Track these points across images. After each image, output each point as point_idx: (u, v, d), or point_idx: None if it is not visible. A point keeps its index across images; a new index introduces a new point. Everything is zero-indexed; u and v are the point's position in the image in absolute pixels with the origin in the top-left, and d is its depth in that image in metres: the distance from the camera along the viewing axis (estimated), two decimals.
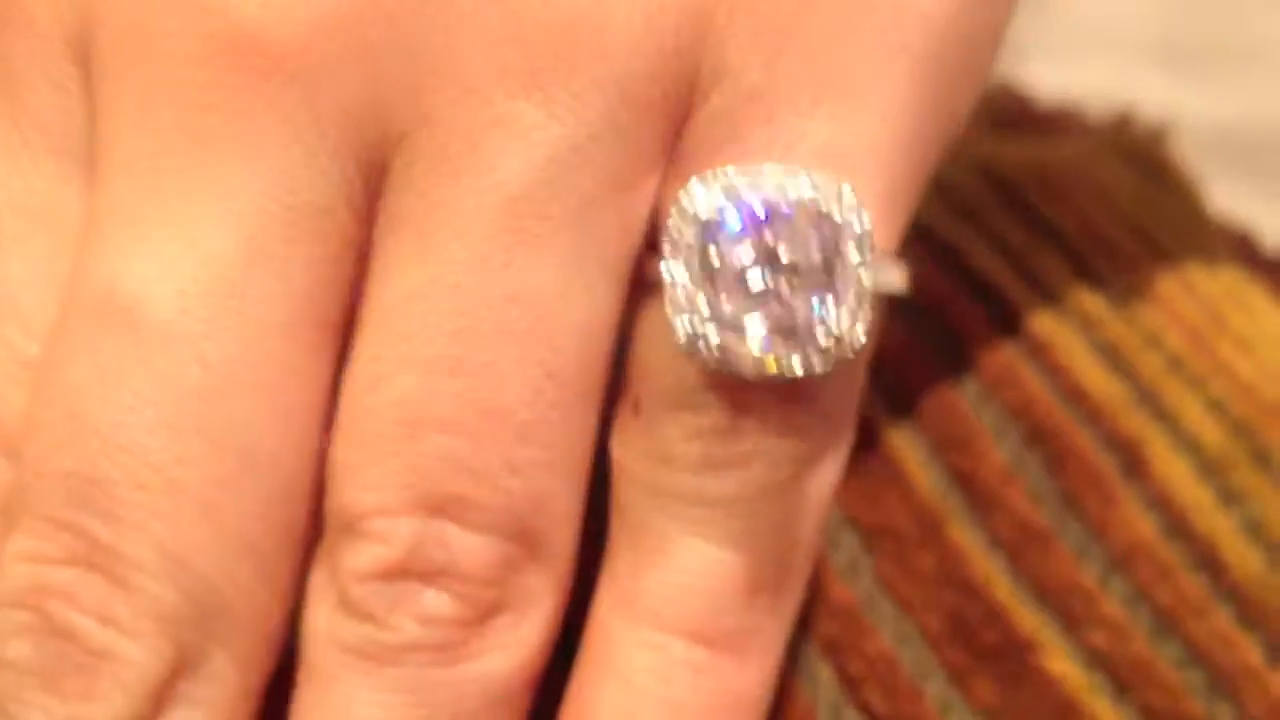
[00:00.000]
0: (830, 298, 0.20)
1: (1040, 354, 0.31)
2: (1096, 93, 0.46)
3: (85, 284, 0.21)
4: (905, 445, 0.30)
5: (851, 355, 0.21)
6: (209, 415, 0.21)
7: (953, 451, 0.30)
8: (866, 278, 0.20)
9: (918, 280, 0.31)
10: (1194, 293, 0.33)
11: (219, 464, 0.21)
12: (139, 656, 0.21)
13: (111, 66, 0.22)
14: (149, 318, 0.21)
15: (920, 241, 0.32)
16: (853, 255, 0.20)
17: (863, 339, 0.21)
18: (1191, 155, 0.40)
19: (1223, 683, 0.28)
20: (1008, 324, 0.31)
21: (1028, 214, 0.34)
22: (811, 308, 0.20)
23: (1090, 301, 0.32)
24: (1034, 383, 0.31)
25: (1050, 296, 0.32)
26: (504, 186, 0.21)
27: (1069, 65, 0.48)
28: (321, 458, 0.22)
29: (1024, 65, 0.46)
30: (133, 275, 0.21)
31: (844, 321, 0.20)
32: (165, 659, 0.21)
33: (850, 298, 0.20)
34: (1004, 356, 0.31)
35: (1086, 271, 0.33)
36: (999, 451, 0.30)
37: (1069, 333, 0.31)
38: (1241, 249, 0.39)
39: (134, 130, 0.21)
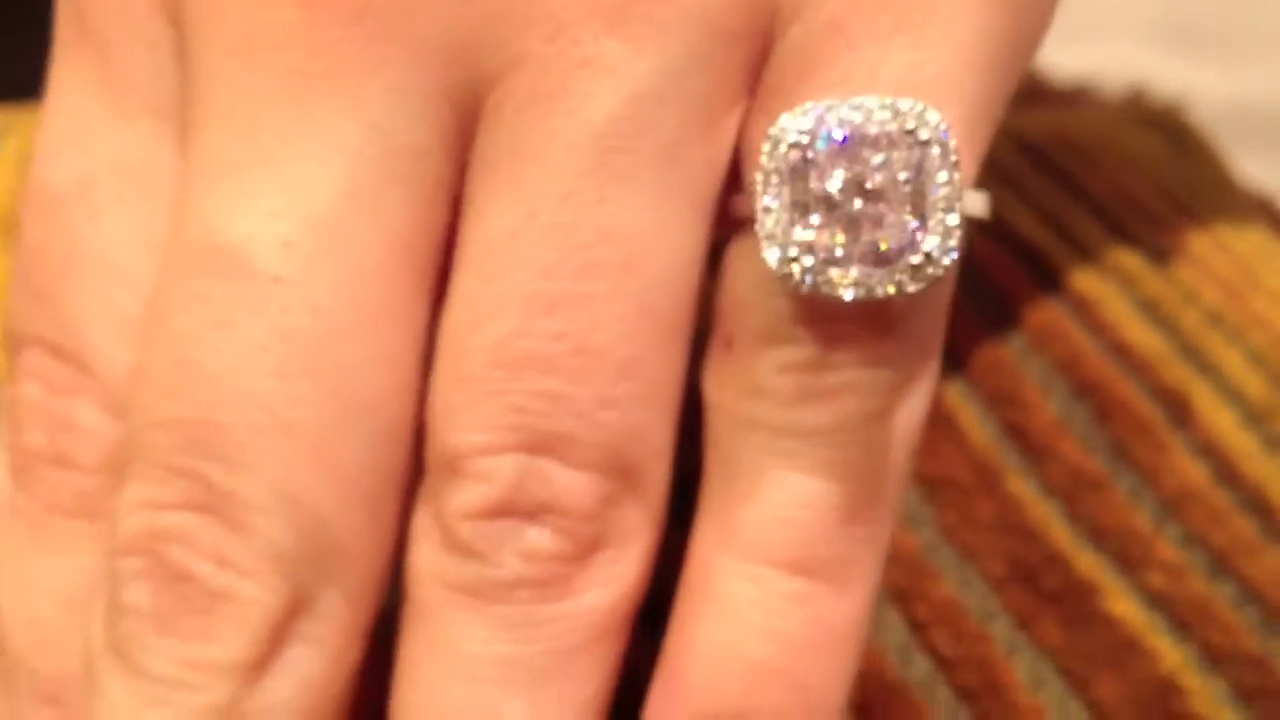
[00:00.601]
0: (919, 219, 0.21)
1: (1083, 310, 0.32)
2: (1107, 73, 0.47)
3: (188, 235, 0.22)
4: (959, 400, 0.30)
5: (941, 274, 0.21)
6: (318, 359, 0.21)
7: (1005, 405, 0.30)
8: (954, 199, 0.21)
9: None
10: (1226, 250, 0.34)
11: (329, 407, 0.21)
12: (256, 596, 0.21)
13: (203, 21, 0.22)
14: (255, 265, 0.21)
15: None
16: (940, 177, 0.21)
17: (952, 258, 0.21)
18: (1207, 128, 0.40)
19: (1278, 621, 0.28)
20: (1049, 282, 0.32)
21: (1060, 177, 0.35)
22: (902, 229, 0.21)
23: (1128, 259, 0.33)
24: (1079, 337, 0.31)
25: (1089, 255, 0.33)
26: (593, 124, 0.21)
27: (1079, 48, 0.48)
28: (422, 399, 0.22)
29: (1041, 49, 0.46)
30: (236, 224, 0.21)
31: (933, 241, 0.21)
32: (281, 598, 0.21)
33: (938, 219, 0.21)
34: (1048, 313, 0.31)
35: (1121, 231, 0.33)
36: (1049, 404, 0.30)
37: (1110, 289, 0.32)
38: (1265, 212, 0.40)
39: (228, 83, 0.22)
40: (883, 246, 0.21)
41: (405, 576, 0.23)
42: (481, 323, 0.21)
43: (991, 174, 0.34)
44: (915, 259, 0.21)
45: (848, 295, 0.21)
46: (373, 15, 0.21)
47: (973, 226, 0.32)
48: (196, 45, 0.22)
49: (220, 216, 0.21)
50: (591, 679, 0.22)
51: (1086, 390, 0.30)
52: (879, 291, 0.21)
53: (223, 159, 0.21)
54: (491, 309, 0.21)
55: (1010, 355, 0.31)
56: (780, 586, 0.22)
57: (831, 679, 0.23)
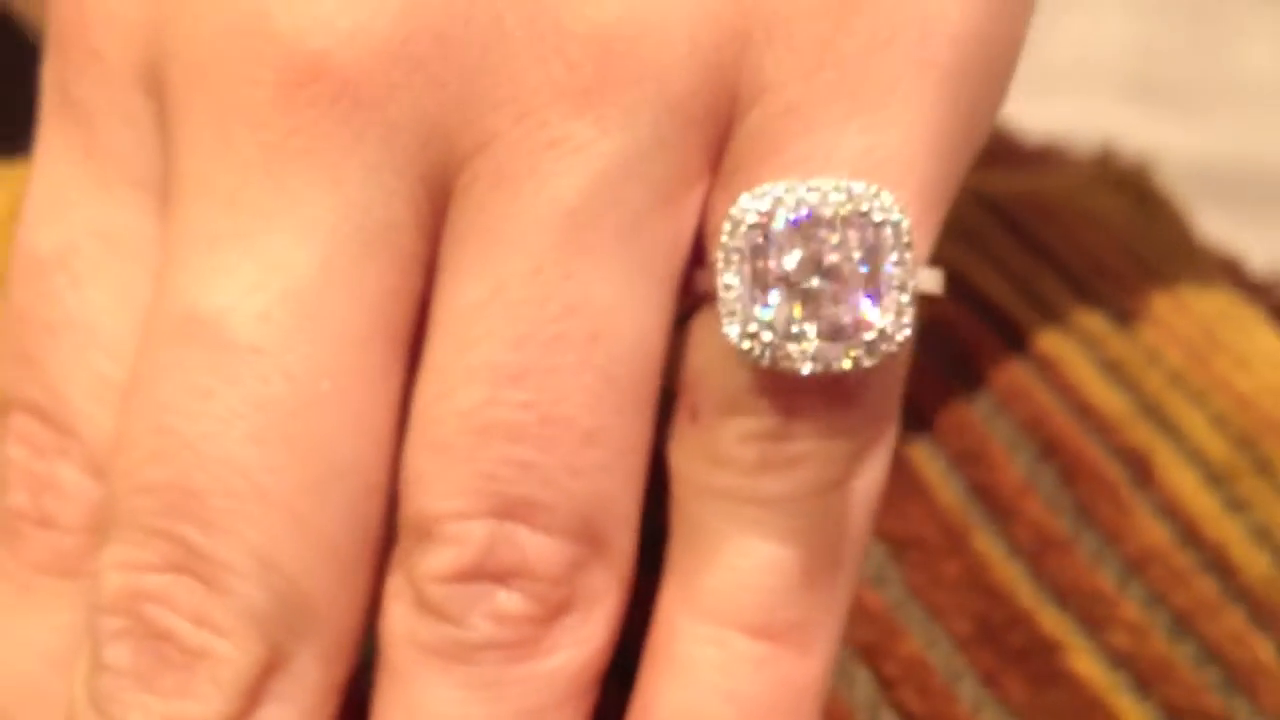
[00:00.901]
0: (873, 297, 0.22)
1: (1047, 371, 0.32)
2: (1075, 129, 0.48)
3: (169, 306, 0.22)
4: (925, 459, 0.30)
5: (895, 349, 0.22)
6: (294, 426, 0.22)
7: (970, 465, 0.30)
8: (906, 277, 0.22)
9: (926, 303, 0.33)
10: (1189, 312, 0.35)
11: (305, 472, 0.22)
12: (233, 655, 0.22)
13: (184, 97, 0.22)
14: (233, 335, 0.22)
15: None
16: (892, 257, 0.22)
17: (905, 334, 0.22)
18: (1173, 188, 0.41)
19: (1239, 679, 0.29)
20: (1014, 343, 0.33)
21: (1026, 238, 0.35)
22: (857, 307, 0.22)
23: (1092, 321, 0.33)
24: (1043, 398, 0.32)
25: (1053, 316, 0.33)
26: (560, 201, 0.22)
27: (1047, 102, 0.49)
28: (397, 464, 0.23)
29: (1009, 104, 0.47)
30: (215, 297, 0.22)
31: (887, 319, 0.22)
32: (257, 657, 0.22)
33: (891, 296, 0.22)
34: (1013, 374, 0.32)
35: (1085, 293, 0.34)
36: (1015, 464, 0.31)
37: (1073, 350, 0.33)
38: (1229, 273, 0.41)
39: (210, 158, 0.22)
40: (839, 322, 0.21)
41: (378, 638, 0.23)
42: (452, 392, 0.22)
43: (958, 234, 0.34)
44: (870, 335, 0.21)
45: (805, 369, 0.21)
46: (348, 96, 0.21)
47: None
48: (176, 119, 0.22)
49: (199, 289, 0.22)
50: None
51: (1051, 450, 0.31)
52: (835, 366, 0.21)
53: (202, 232, 0.22)
54: (462, 379, 0.22)
55: (976, 415, 0.31)
56: (742, 649, 0.23)
57: None
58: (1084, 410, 0.32)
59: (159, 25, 0.23)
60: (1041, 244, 0.35)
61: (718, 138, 0.23)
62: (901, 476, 0.30)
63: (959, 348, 0.32)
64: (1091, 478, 0.31)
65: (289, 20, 0.21)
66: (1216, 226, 0.43)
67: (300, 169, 0.22)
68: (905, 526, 0.30)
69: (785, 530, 0.23)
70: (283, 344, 0.22)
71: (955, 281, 0.33)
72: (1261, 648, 0.29)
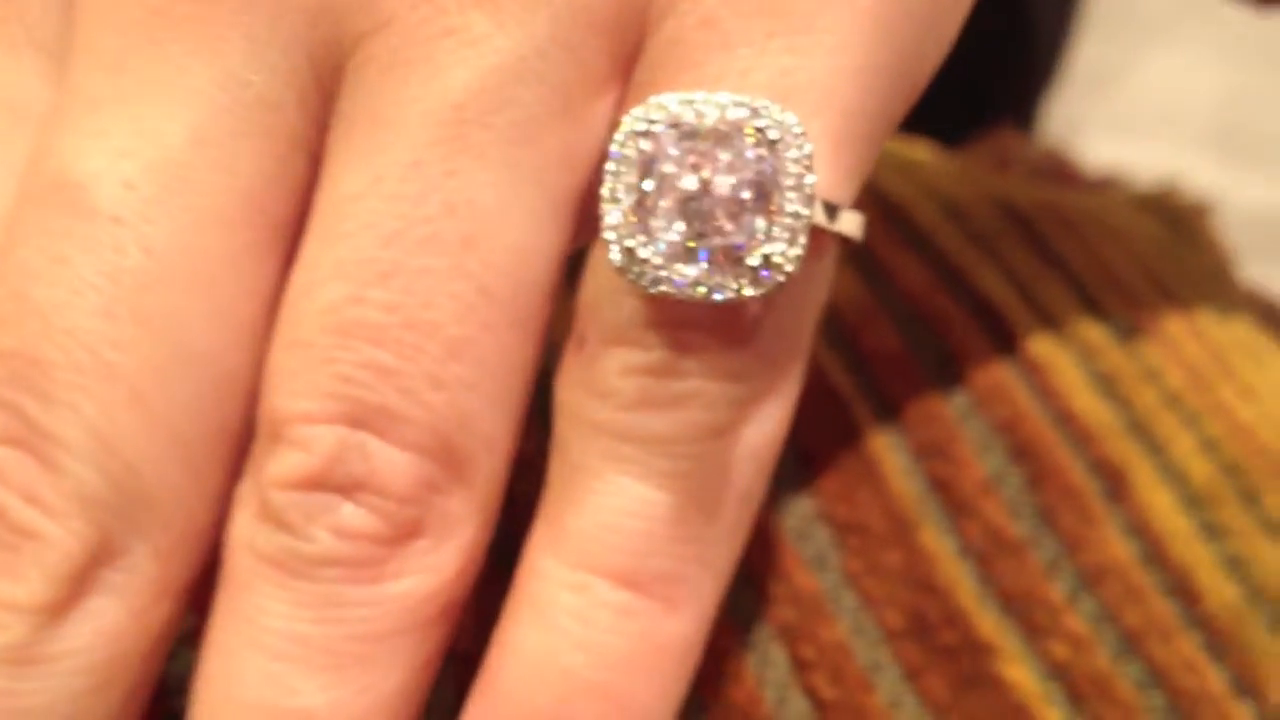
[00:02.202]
0: (765, 222, 0.20)
1: (1034, 375, 0.31)
2: (1153, 169, 0.46)
3: (41, 169, 0.22)
4: (886, 449, 0.29)
5: (783, 280, 0.20)
6: (148, 303, 0.21)
7: (934, 459, 0.29)
8: (803, 207, 0.20)
9: (921, 295, 0.32)
10: (1202, 338, 0.33)
11: (154, 353, 0.21)
12: (60, 538, 0.21)
13: None
14: (96, 203, 0.21)
15: (928, 260, 0.33)
16: (789, 181, 0.20)
17: (794, 265, 0.20)
18: (1242, 237, 0.40)
19: (1183, 706, 0.27)
20: (1005, 345, 0.31)
21: (1040, 246, 0.34)
22: (747, 231, 0.20)
23: (1092, 332, 0.32)
24: (1024, 401, 0.30)
25: (1052, 324, 0.32)
26: (449, 93, 0.21)
27: (1129, 142, 0.48)
28: (260, 362, 0.22)
29: (1083, 138, 0.46)
30: (83, 160, 0.21)
31: (776, 247, 0.20)
32: (86, 543, 0.21)
33: (784, 223, 0.20)
34: (997, 374, 0.31)
35: (1092, 306, 0.33)
36: (981, 463, 0.29)
37: (1066, 358, 0.31)
38: (1270, 316, 0.39)
39: (99, 20, 0.22)
40: (727, 246, 0.20)
41: (223, 545, 0.22)
42: (317, 287, 0.21)
43: (968, 234, 0.33)
44: (754, 262, 0.20)
45: (685, 293, 0.20)
46: None
47: (934, 282, 0.32)
48: None
49: (71, 153, 0.21)
50: (398, 670, 0.22)
51: (1023, 454, 0.30)
52: (719, 294, 0.20)
53: (83, 96, 0.22)
54: (328, 274, 0.21)
55: (950, 411, 0.30)
56: (603, 597, 0.22)
57: (652, 699, 0.22)
58: (1065, 418, 0.30)
59: None
60: (1056, 254, 0.34)
61: (628, 48, 0.22)
62: (859, 463, 0.29)
63: (946, 343, 0.31)
64: (1060, 485, 0.29)
65: None
66: None
67: (183, 35, 0.21)
68: (852, 512, 0.29)
69: (661, 473, 0.22)
70: (144, 215, 0.21)
71: (956, 278, 0.32)
72: (1214, 678, 0.28)
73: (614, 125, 0.22)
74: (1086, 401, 0.31)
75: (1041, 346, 0.31)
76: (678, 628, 0.22)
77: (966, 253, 0.33)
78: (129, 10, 0.21)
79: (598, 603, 0.22)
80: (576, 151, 0.22)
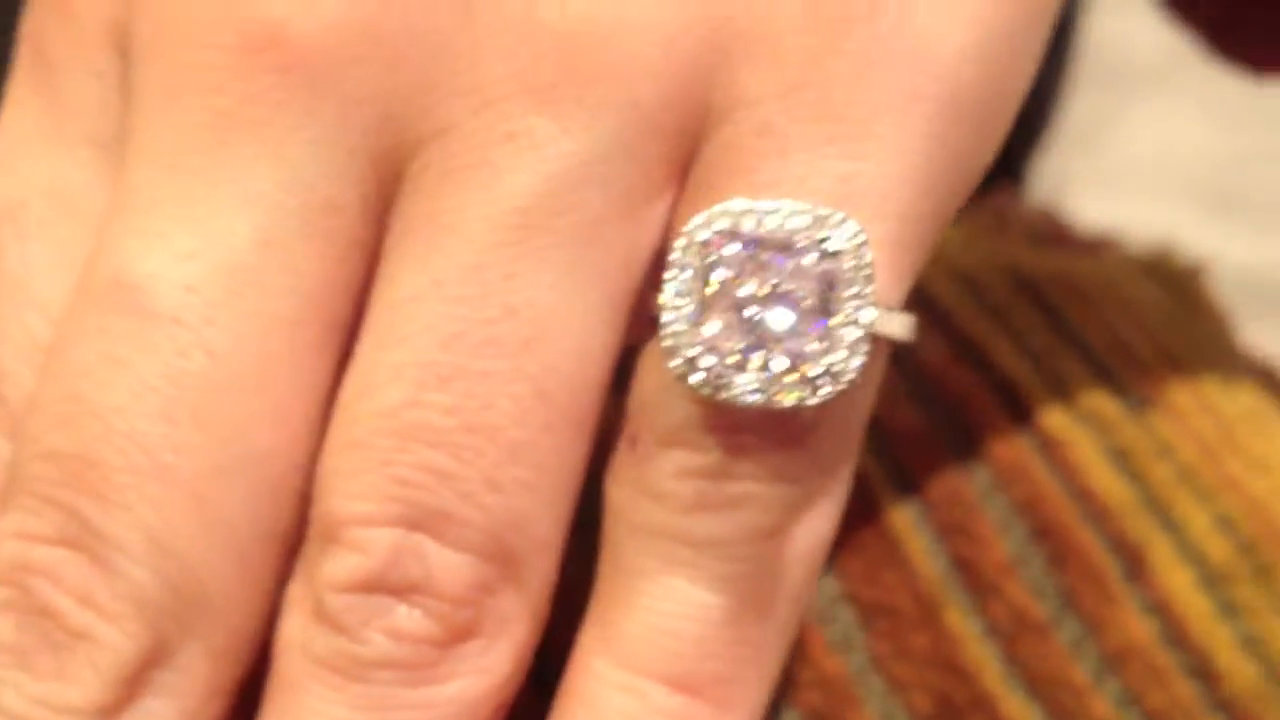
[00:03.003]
0: (826, 332, 0.21)
1: (1052, 451, 0.31)
2: (1140, 228, 0.47)
3: (99, 266, 0.22)
4: (910, 528, 0.30)
5: (844, 389, 0.21)
6: (208, 406, 0.21)
7: (957, 538, 0.30)
8: (864, 316, 0.21)
9: (940, 371, 0.32)
10: (1211, 411, 0.34)
11: (212, 456, 0.21)
12: (115, 640, 0.21)
13: (146, 56, 0.22)
14: (156, 304, 0.21)
15: (945, 335, 0.33)
16: (849, 291, 0.21)
17: (855, 375, 0.21)
18: (1231, 296, 0.40)
19: None
20: (1023, 420, 0.32)
21: (1052, 317, 0.34)
22: (805, 339, 0.21)
23: (1107, 406, 0.32)
24: (1043, 479, 0.31)
25: (1067, 398, 0.32)
26: (512, 197, 0.21)
27: (1118, 199, 0.48)
28: (314, 462, 0.22)
29: (1072, 194, 0.46)
30: (144, 261, 0.21)
31: (838, 356, 0.21)
32: (140, 645, 0.21)
33: (846, 334, 0.21)
34: (1016, 451, 0.31)
35: (1106, 378, 0.33)
36: (1003, 543, 0.30)
37: (1082, 434, 0.32)
38: (1269, 383, 0.40)
39: (160, 119, 0.22)
40: (787, 355, 0.21)
41: (274, 645, 0.22)
42: (375, 389, 0.21)
43: (984, 307, 0.34)
44: (816, 371, 0.21)
45: (746, 401, 0.21)
46: (303, 68, 0.21)
47: (950, 356, 0.32)
48: (138, 79, 0.22)
49: (131, 253, 0.21)
50: None
51: (1044, 533, 0.30)
52: (778, 401, 0.21)
53: (142, 195, 0.22)
54: (387, 376, 0.21)
55: (971, 489, 0.30)
56: (659, 701, 0.22)
57: None
58: (1084, 495, 0.31)
59: None
60: (1068, 325, 0.34)
61: (686, 152, 0.22)
62: (882, 543, 0.30)
63: (966, 419, 0.32)
64: (1081, 565, 0.30)
65: None
66: (1268, 336, 0.42)
67: (248, 138, 0.21)
68: (878, 594, 0.29)
69: (716, 576, 0.22)
70: (206, 318, 0.21)
71: (973, 353, 0.33)
72: None
73: (671, 228, 0.22)
74: (1103, 478, 0.31)
75: (1058, 421, 0.32)
76: None
77: (982, 327, 0.33)
78: (193, 112, 0.21)
79: (652, 709, 0.22)
80: (635, 253, 0.22)
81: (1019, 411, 0.32)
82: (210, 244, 0.21)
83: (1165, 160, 0.49)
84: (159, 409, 0.21)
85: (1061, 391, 0.33)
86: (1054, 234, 0.44)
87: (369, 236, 0.22)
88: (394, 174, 0.22)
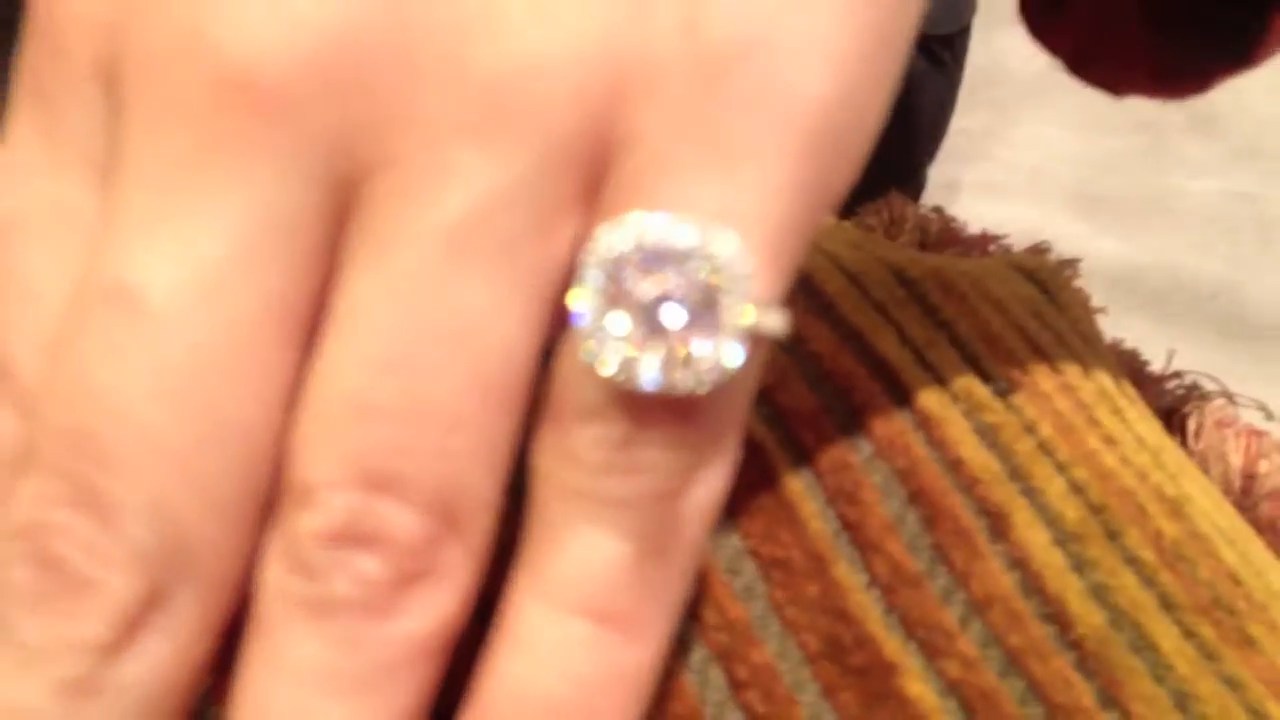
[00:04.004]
0: (710, 329, 0.24)
1: (927, 428, 0.35)
2: (1021, 230, 0.51)
3: (98, 273, 0.25)
4: (803, 493, 0.34)
5: (728, 379, 0.24)
6: (191, 389, 0.25)
7: (844, 502, 0.34)
8: (745, 314, 0.24)
9: (829, 357, 0.36)
10: (1070, 392, 0.38)
11: (197, 429, 0.25)
12: (117, 587, 0.24)
13: (133, 93, 0.25)
14: (148, 304, 0.25)
15: (833, 325, 0.37)
16: (733, 292, 0.24)
17: (738, 364, 0.24)
18: (1099, 291, 0.44)
19: (1057, 718, 0.32)
20: (902, 401, 0.36)
21: (929, 310, 0.38)
22: (696, 336, 0.24)
23: (977, 390, 0.36)
24: (920, 452, 0.35)
25: (941, 382, 0.36)
26: (446, 218, 0.25)
27: (999, 204, 0.53)
28: (282, 434, 0.26)
29: (959, 199, 0.51)
30: (137, 268, 0.25)
31: (724, 350, 0.24)
32: (138, 591, 0.25)
33: (727, 329, 0.24)
34: (896, 427, 0.35)
35: (976, 365, 0.37)
36: (884, 506, 0.34)
37: (954, 413, 0.36)
38: (1128, 367, 0.44)
39: (147, 147, 0.25)
40: (679, 348, 0.24)
41: (252, 592, 0.26)
42: (337, 374, 0.25)
43: (866, 301, 0.38)
44: (705, 364, 0.24)
45: (648, 388, 0.24)
46: (270, 108, 0.24)
47: (839, 344, 0.36)
48: (125, 111, 0.26)
49: (125, 261, 0.25)
50: (407, 694, 0.25)
51: (919, 498, 0.34)
52: (675, 389, 0.24)
53: (134, 213, 0.25)
54: (347, 364, 0.25)
55: (856, 459, 0.34)
56: (579, 632, 0.26)
57: (620, 718, 0.26)
58: (955, 466, 0.35)
59: (117, 28, 0.26)
60: (941, 316, 0.38)
61: (594, 177, 0.26)
62: (779, 506, 0.34)
63: (851, 399, 0.36)
64: (951, 525, 0.34)
65: (227, 34, 0.25)
66: (1135, 326, 0.46)
67: (222, 166, 0.25)
68: (776, 550, 0.33)
69: (624, 528, 0.26)
70: (189, 317, 0.24)
71: (857, 342, 0.37)
72: (1084, 693, 0.32)
73: (582, 241, 0.26)
74: (972, 451, 0.35)
75: (933, 402, 0.36)
76: (642, 657, 0.26)
77: (866, 318, 0.37)
78: (175, 142, 0.25)
79: (575, 637, 0.26)
80: (551, 264, 0.26)
81: (898, 394, 0.36)
82: (192, 255, 0.25)
83: (1043, 167, 0.53)
84: (150, 391, 0.24)
85: (936, 377, 0.37)
86: (942, 233, 0.48)
87: (326, 248, 0.25)
88: (347, 195, 0.25)
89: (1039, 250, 0.48)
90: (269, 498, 0.26)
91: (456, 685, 0.27)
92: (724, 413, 0.26)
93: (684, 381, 0.24)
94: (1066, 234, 0.49)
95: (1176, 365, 0.45)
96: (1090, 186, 0.51)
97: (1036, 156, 0.53)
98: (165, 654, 0.25)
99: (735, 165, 0.25)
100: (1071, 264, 0.46)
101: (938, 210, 0.51)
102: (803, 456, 0.34)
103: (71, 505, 0.25)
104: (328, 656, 0.25)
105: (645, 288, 0.24)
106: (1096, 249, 0.46)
